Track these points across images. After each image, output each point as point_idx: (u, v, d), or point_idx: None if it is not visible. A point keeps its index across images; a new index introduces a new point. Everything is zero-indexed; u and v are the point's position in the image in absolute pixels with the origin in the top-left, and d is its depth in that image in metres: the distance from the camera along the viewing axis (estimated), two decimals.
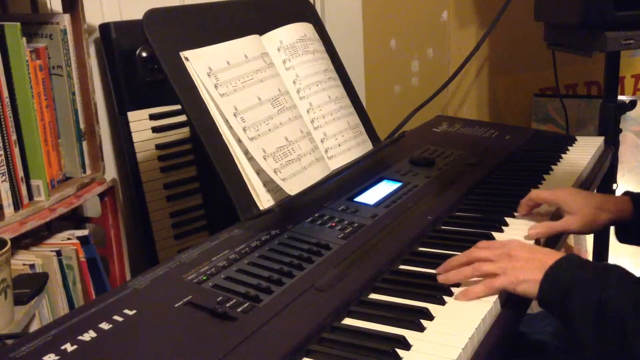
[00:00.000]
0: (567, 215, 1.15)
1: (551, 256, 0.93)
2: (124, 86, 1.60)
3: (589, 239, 2.15)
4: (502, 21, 2.06)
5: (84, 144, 1.46)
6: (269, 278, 0.94)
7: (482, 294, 0.92)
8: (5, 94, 1.22)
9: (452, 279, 0.96)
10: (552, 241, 1.14)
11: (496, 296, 0.92)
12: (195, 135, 1.32)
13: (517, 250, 0.96)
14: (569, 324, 0.88)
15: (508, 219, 1.17)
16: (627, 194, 1.20)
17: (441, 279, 0.96)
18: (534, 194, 1.19)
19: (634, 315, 0.81)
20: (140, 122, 1.62)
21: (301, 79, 1.34)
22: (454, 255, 1.01)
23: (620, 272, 0.89)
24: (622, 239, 1.22)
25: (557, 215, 1.19)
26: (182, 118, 1.66)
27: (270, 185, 1.17)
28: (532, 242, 1.09)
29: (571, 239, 2.22)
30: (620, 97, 1.90)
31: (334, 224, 1.13)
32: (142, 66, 1.61)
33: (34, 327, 1.16)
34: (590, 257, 2.03)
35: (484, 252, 0.98)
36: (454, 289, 0.94)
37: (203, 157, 1.20)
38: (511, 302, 0.94)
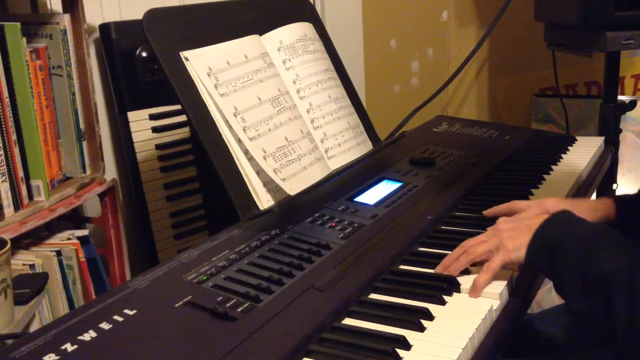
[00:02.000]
0: None
1: (539, 218, 0.94)
2: (124, 86, 1.60)
3: None
4: (502, 21, 2.06)
5: (84, 144, 1.46)
6: (269, 278, 0.94)
7: (487, 279, 0.93)
8: (5, 94, 1.22)
9: (453, 269, 0.97)
10: None
11: (496, 296, 0.92)
12: (195, 135, 1.32)
13: (504, 223, 0.98)
14: (556, 282, 0.89)
15: None
16: (609, 197, 1.20)
17: (446, 272, 0.98)
18: (517, 206, 1.13)
19: (620, 281, 0.80)
20: (140, 122, 1.62)
21: (301, 78, 1.34)
22: None
23: (612, 236, 0.88)
24: None
25: None
26: (182, 118, 1.66)
27: (270, 185, 1.17)
28: None
29: None
30: (620, 97, 1.90)
31: (334, 224, 1.13)
32: (142, 66, 1.61)
33: (34, 327, 1.16)
34: None
35: (477, 238, 1.00)
36: (459, 282, 0.94)
37: (203, 157, 1.20)
38: (512, 301, 0.94)
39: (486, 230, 1.08)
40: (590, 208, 1.14)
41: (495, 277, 0.95)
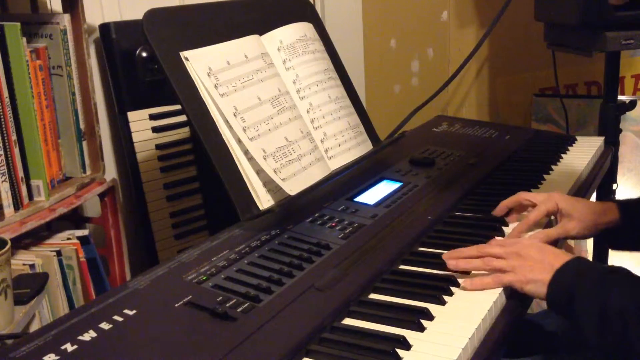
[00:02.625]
0: (564, 219, 1.15)
1: (560, 258, 0.95)
2: (124, 86, 1.60)
3: (589, 241, 2.15)
4: (502, 21, 2.06)
5: (84, 144, 1.46)
6: (269, 278, 0.94)
7: (490, 286, 0.94)
8: (5, 94, 1.22)
9: (462, 266, 0.98)
10: (551, 244, 1.13)
11: (497, 296, 0.92)
12: (195, 135, 1.32)
13: (528, 249, 0.98)
14: (575, 325, 0.91)
15: (508, 219, 1.17)
16: (612, 201, 1.21)
17: (451, 264, 0.99)
18: (533, 216, 1.14)
19: (635, 317, 0.83)
20: (140, 122, 1.62)
21: (301, 78, 1.34)
22: None
23: (625, 275, 0.91)
24: (613, 246, 1.23)
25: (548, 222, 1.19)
26: (182, 118, 1.66)
27: (270, 185, 1.17)
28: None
29: (572, 240, 2.22)
30: (620, 97, 1.90)
31: (334, 224, 1.13)
32: (142, 66, 1.61)
33: (34, 327, 1.16)
34: (590, 257, 2.02)
35: (496, 248, 1.00)
36: (459, 282, 0.94)
37: (203, 157, 1.20)
38: (512, 301, 0.94)
39: (492, 236, 1.09)
40: (596, 211, 1.16)
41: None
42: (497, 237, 1.09)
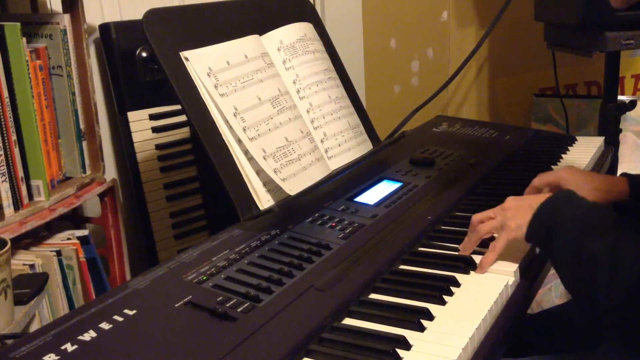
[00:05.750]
0: None
1: (540, 197, 0.98)
2: (124, 86, 1.60)
3: None
4: (502, 21, 2.06)
5: (84, 144, 1.46)
6: (269, 278, 0.94)
7: (493, 258, 0.98)
8: (5, 94, 1.22)
9: (466, 248, 1.03)
10: None
11: (497, 296, 0.92)
12: (195, 135, 1.32)
13: (510, 202, 1.03)
14: (552, 258, 0.94)
15: None
16: (624, 175, 1.21)
17: (461, 253, 1.04)
18: (537, 181, 1.20)
19: (603, 256, 0.85)
20: (140, 122, 1.62)
21: (301, 79, 1.34)
22: (453, 255, 1.03)
23: (603, 217, 0.92)
24: (621, 218, 1.23)
25: None
26: (182, 118, 1.66)
27: (270, 185, 1.17)
28: None
29: None
30: (620, 97, 1.90)
31: (334, 224, 1.13)
32: (142, 66, 1.61)
33: (34, 327, 1.16)
34: None
35: (486, 213, 1.04)
36: (459, 282, 0.94)
37: (203, 157, 1.20)
38: (512, 301, 0.94)
39: (492, 236, 1.09)
40: (602, 188, 1.17)
41: (495, 277, 0.96)
42: None
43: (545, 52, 1.99)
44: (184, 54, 1.14)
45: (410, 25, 2.31)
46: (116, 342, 0.79)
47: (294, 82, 1.32)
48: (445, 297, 0.92)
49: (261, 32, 1.32)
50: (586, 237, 0.88)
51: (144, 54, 1.61)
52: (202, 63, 1.15)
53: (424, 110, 2.03)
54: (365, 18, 2.15)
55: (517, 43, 2.37)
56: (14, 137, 1.24)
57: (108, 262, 1.53)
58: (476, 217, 1.05)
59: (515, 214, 0.99)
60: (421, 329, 0.84)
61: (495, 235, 1.03)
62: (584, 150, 1.57)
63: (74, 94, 1.42)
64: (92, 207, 1.59)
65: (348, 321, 0.88)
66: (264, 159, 1.16)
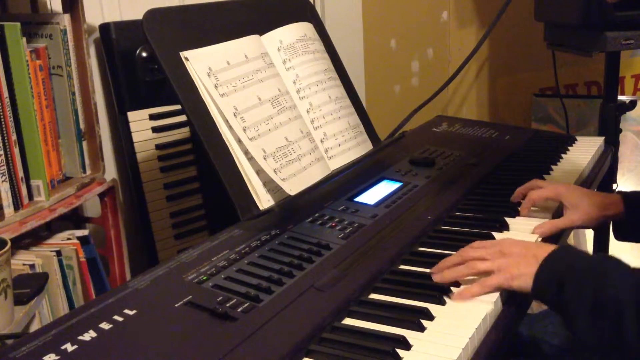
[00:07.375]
0: (569, 210, 1.17)
1: (545, 249, 0.93)
2: (124, 86, 1.60)
3: (589, 235, 2.15)
4: (502, 21, 2.06)
5: (84, 144, 1.46)
6: (269, 278, 0.94)
7: (478, 293, 0.92)
8: (5, 94, 1.22)
9: (448, 277, 0.96)
10: (555, 238, 1.14)
11: (497, 296, 0.92)
12: (195, 135, 1.32)
13: (510, 247, 0.97)
14: (565, 313, 0.88)
15: (508, 219, 1.17)
16: (619, 193, 1.22)
17: (436, 278, 0.96)
18: (535, 195, 1.19)
19: (631, 308, 0.81)
20: (140, 122, 1.62)
21: (301, 78, 1.34)
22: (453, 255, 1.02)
23: (617, 263, 0.89)
24: (619, 237, 1.23)
25: (557, 211, 1.20)
26: (182, 118, 1.66)
27: (270, 185, 1.17)
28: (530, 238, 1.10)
29: (571, 238, 2.22)
30: (620, 97, 1.90)
31: (334, 224, 1.13)
32: (142, 66, 1.61)
33: (34, 327, 1.16)
34: (590, 249, 2.02)
35: (478, 251, 0.98)
36: (453, 289, 0.94)
37: (203, 157, 1.20)
38: (512, 301, 0.94)
39: (492, 236, 1.09)
40: (601, 205, 1.17)
41: None
42: (477, 240, 1.04)
43: (545, 52, 1.99)
44: (184, 54, 1.14)
45: (410, 25, 2.31)
46: (116, 342, 0.79)
47: (294, 82, 1.32)
48: (445, 297, 0.92)
49: (261, 32, 1.32)
50: (604, 283, 0.84)
51: (144, 54, 1.61)
52: (202, 63, 1.15)
53: (424, 110, 2.03)
54: (365, 18, 2.15)
55: (517, 43, 2.38)
56: (14, 137, 1.24)
57: (108, 262, 1.53)
58: (472, 252, 0.98)
59: (518, 262, 0.93)
60: (421, 329, 0.84)
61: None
62: (584, 150, 1.57)
63: (74, 94, 1.42)
64: (92, 207, 1.59)
65: (348, 321, 0.88)
66: (264, 159, 1.16)
